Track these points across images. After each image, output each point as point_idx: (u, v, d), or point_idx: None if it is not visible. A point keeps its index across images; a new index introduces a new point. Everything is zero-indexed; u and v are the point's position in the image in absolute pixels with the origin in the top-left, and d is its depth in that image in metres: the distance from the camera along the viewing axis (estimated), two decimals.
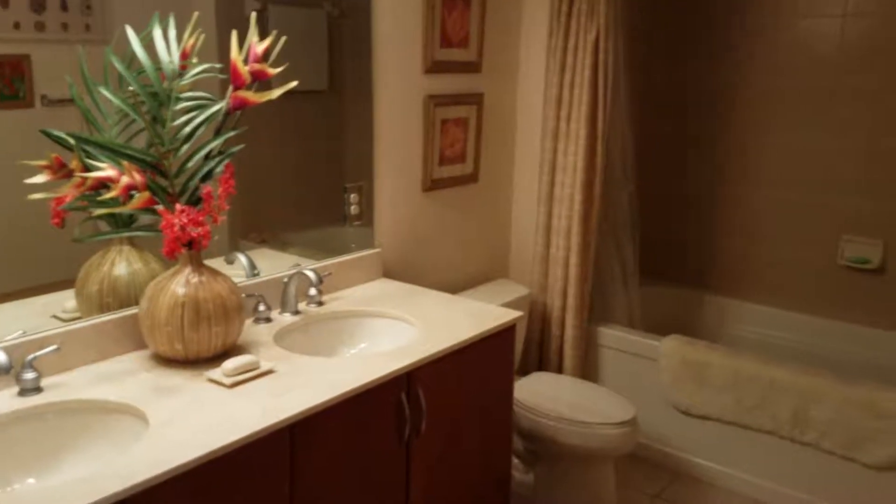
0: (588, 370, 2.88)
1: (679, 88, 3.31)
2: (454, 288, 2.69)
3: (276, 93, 1.64)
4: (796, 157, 3.01)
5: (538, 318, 2.86)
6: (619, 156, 2.87)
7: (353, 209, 2.28)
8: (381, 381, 1.60)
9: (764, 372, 2.43)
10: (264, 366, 1.60)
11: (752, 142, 3.11)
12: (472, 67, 2.57)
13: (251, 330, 1.85)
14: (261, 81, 1.65)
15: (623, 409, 2.34)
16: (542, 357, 2.89)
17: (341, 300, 2.11)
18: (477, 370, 1.90)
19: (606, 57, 2.59)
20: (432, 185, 2.51)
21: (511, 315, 1.99)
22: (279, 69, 1.65)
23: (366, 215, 2.32)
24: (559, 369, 2.82)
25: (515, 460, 2.56)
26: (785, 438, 2.42)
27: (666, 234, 3.45)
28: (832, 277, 2.99)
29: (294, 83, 1.65)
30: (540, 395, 2.45)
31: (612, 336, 2.81)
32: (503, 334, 1.96)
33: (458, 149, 2.59)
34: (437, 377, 1.77)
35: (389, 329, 1.98)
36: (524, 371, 2.88)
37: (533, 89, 2.80)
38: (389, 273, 2.41)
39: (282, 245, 2.14)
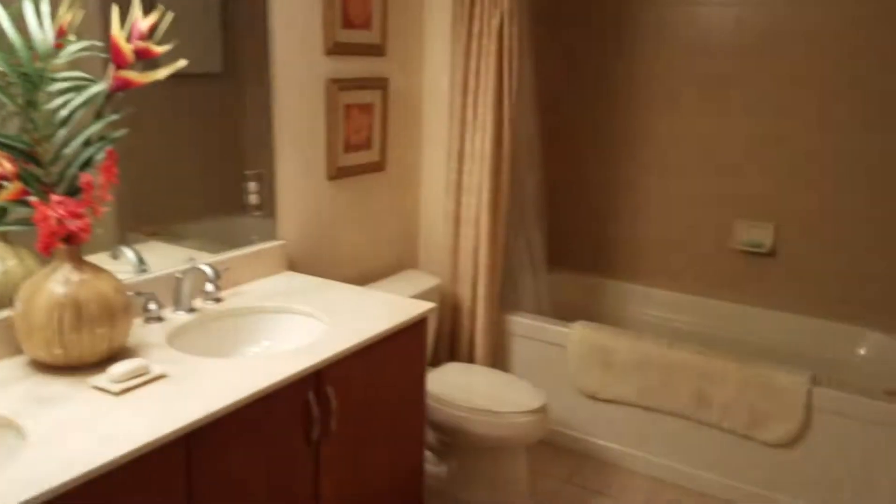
0: (499, 359, 2.90)
1: (578, 75, 3.36)
2: (363, 280, 2.63)
3: (161, 73, 1.52)
4: (691, 143, 3.13)
5: (449, 309, 2.85)
6: (526, 143, 2.89)
7: (253, 198, 2.17)
8: (286, 382, 1.52)
9: (667, 355, 2.51)
10: (156, 370, 1.49)
11: (649, 128, 3.21)
12: (375, 50, 2.50)
13: (141, 331, 1.73)
14: (146, 61, 1.52)
15: (533, 397, 2.36)
16: (453, 347, 2.87)
17: (242, 296, 2.00)
18: (389, 365, 1.86)
19: (511, 43, 2.58)
20: (338, 172, 2.43)
21: (422, 307, 1.95)
22: (166, 48, 1.53)
23: (267, 205, 2.21)
24: (471, 359, 2.81)
25: (428, 453, 2.53)
26: (687, 419, 2.51)
27: (570, 221, 3.51)
28: (727, 261, 3.13)
29: (182, 62, 1.54)
30: (452, 386, 2.43)
31: (522, 324, 2.83)
32: (415, 327, 1.92)
33: (364, 135, 2.52)
34: (348, 374, 1.71)
35: (295, 325, 1.90)
36: (436, 363, 2.86)
37: (439, 75, 2.76)
38: (294, 266, 2.31)
39: (176, 238, 2.01)
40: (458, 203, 2.79)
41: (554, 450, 2.79)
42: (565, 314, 3.31)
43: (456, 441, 2.39)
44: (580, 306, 3.40)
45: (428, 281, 2.70)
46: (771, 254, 3.04)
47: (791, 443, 2.33)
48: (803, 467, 2.32)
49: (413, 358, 1.95)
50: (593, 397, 2.70)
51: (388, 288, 2.56)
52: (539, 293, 3.01)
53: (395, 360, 1.88)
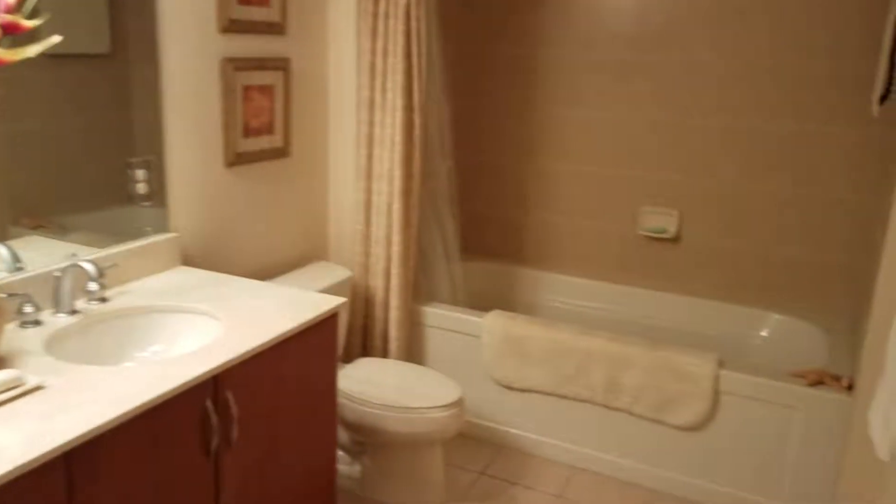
0: (414, 352, 2.84)
1: (488, 61, 3.32)
2: (268, 274, 2.50)
3: (32, 50, 1.37)
4: (598, 130, 3.16)
5: (361, 301, 2.75)
6: (437, 129, 2.82)
7: (142, 187, 2.01)
8: (179, 390, 1.40)
9: (579, 343, 2.52)
10: (32, 381, 1.34)
11: (557, 115, 3.22)
12: (275, 28, 2.36)
13: (16, 337, 1.55)
14: (15, 37, 1.36)
15: (449, 391, 2.32)
16: (366, 342, 2.79)
17: (130, 295, 1.84)
18: (296, 365, 1.75)
19: (419, 25, 2.50)
20: (237, 159, 2.28)
21: (332, 302, 1.86)
22: (37, 22, 1.37)
23: (158, 195, 2.05)
24: (384, 353, 2.74)
25: (340, 452, 2.45)
26: (600, 405, 2.54)
27: (483, 208, 3.48)
28: (634, 247, 3.19)
29: (56, 38, 1.38)
30: (365, 382, 2.35)
31: (436, 315, 2.78)
32: (324, 324, 1.83)
33: (265, 119, 2.38)
34: (250, 378, 1.60)
35: (190, 326, 1.77)
36: (348, 358, 2.77)
37: (344, 56, 2.65)
38: (190, 260, 2.16)
39: (63, 232, 1.82)
40: (368, 190, 2.70)
41: (469, 441, 2.77)
42: (480, 303, 3.29)
43: (370, 439, 2.32)
44: (494, 295, 3.39)
45: (338, 273, 2.60)
46: (675, 239, 3.11)
47: (700, 426, 2.39)
48: (712, 450, 2.39)
49: (323, 356, 1.86)
50: (509, 387, 2.68)
51: (295, 282, 2.44)
52: (453, 282, 2.97)
53: (302, 359, 1.78)
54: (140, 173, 2.00)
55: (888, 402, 1.50)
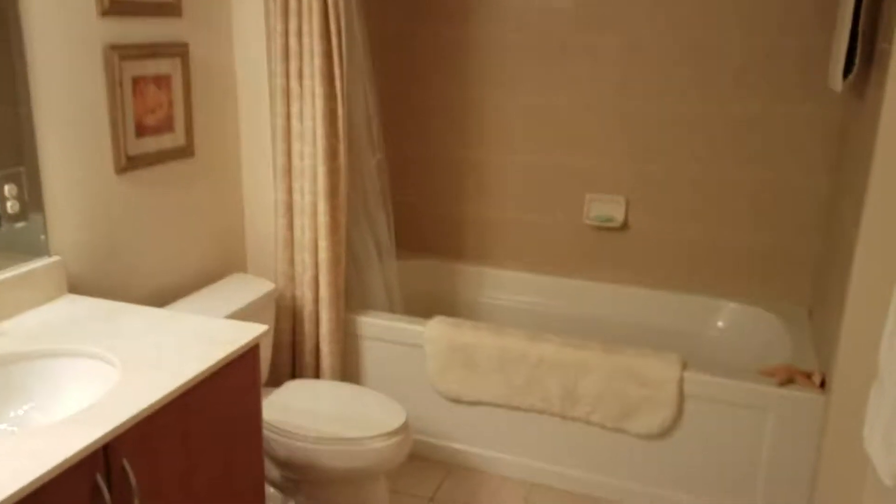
0: (350, 368, 2.59)
1: (414, 42, 3.07)
2: (175, 293, 2.19)
3: None
4: (536, 116, 2.96)
5: (288, 316, 2.48)
6: (364, 118, 2.56)
7: (11, 206, 1.68)
8: (59, 469, 1.12)
9: (531, 350, 2.33)
10: None
11: (493, 101, 3.00)
12: (168, 10, 2.04)
13: None
14: None
15: (392, 415, 2.09)
16: (295, 360, 2.52)
17: (1, 337, 1.52)
18: (210, 413, 1.49)
19: (337, 1, 2.23)
20: (130, 163, 1.96)
21: (251, 332, 1.59)
22: None
23: (33, 212, 1.72)
24: (317, 372, 2.48)
25: (272, 490, 2.19)
26: (556, 416, 2.36)
27: (417, 203, 3.25)
28: (581, 238, 3.03)
29: None
30: (295, 411, 2.09)
31: (372, 325, 2.54)
32: (243, 359, 1.56)
33: (163, 115, 2.06)
34: (153, 438, 1.33)
35: (76, 374, 1.47)
36: (275, 381, 2.49)
37: (253, 39, 2.34)
38: (77, 287, 1.85)
39: None
40: (289, 190, 2.42)
41: (416, 462, 2.55)
42: (420, 306, 3.06)
43: (304, 477, 2.07)
44: (434, 295, 3.17)
45: (259, 286, 2.32)
46: (623, 228, 2.96)
47: (664, 433, 2.24)
48: (678, 457, 2.25)
49: (243, 397, 1.59)
50: (457, 401, 2.48)
51: (208, 301, 2.15)
52: (389, 287, 2.73)
53: (217, 405, 1.51)
54: (7, 189, 1.66)
55: (889, 420, 1.35)
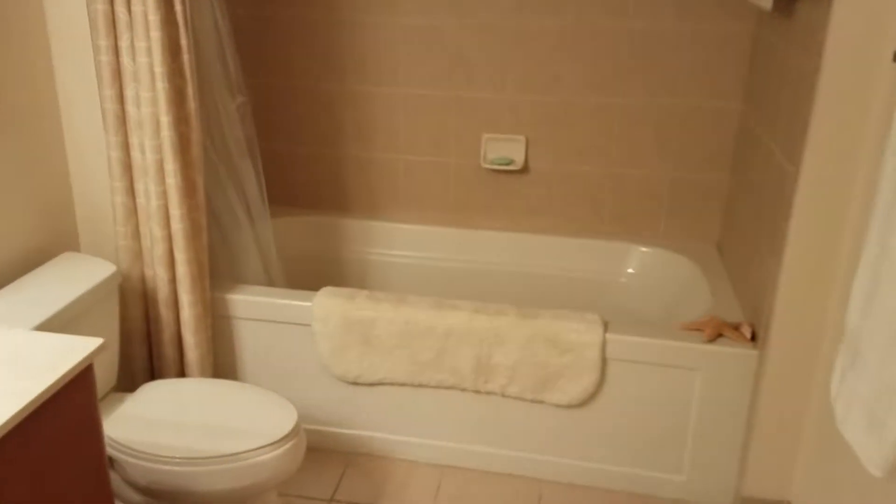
0: (223, 359, 2.21)
1: None
2: None
3: None
4: (419, 42, 2.59)
5: (138, 301, 2.05)
6: (217, 53, 2.10)
7: None
8: None
9: (438, 320, 2.05)
10: None
11: (370, 23, 2.60)
12: None
13: None
14: None
15: (279, 416, 1.75)
16: (153, 356, 2.11)
17: None
18: (29, 464, 1.09)
19: None
20: None
21: (82, 350, 1.20)
22: None
23: None
24: (181, 369, 2.08)
25: None
26: (468, 391, 2.11)
27: (285, 148, 2.82)
28: (478, 183, 2.75)
29: None
30: (155, 424, 1.71)
31: (247, 304, 2.16)
32: (73, 386, 1.17)
33: None
34: None
35: None
36: (129, 385, 2.07)
37: None
38: None
39: None
40: (125, 147, 1.95)
41: (312, 456, 2.23)
42: (303, 275, 2.70)
43: (176, 501, 1.71)
44: (318, 258, 2.80)
45: (97, 270, 1.87)
46: (524, 170, 2.71)
47: (586, 401, 2.05)
48: (600, 427, 2.08)
49: (74, 431, 1.20)
50: (355, 383, 2.17)
51: (25, 297, 1.69)
52: (265, 255, 2.34)
53: (40, 447, 1.11)
54: None
55: (874, 397, 1.18)
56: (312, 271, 2.76)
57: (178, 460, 1.62)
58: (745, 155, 2.33)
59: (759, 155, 2.15)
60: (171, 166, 1.91)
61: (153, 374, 2.12)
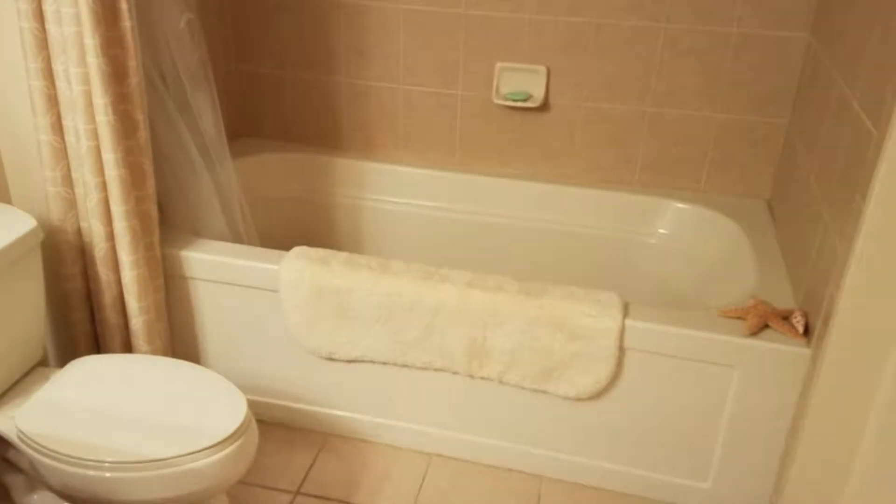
0: (179, 327, 1.95)
1: None
2: None
3: None
4: None
5: (75, 260, 1.77)
6: None
7: None
8: None
9: (426, 294, 1.75)
10: None
11: None
12: None
13: None
14: None
15: (226, 409, 1.49)
16: (95, 323, 1.84)
17: None
18: None
19: None
20: None
21: None
22: None
23: None
24: (126, 341, 1.82)
25: None
26: (462, 375, 1.83)
27: (259, 76, 2.47)
28: (489, 122, 2.38)
29: None
30: (75, 417, 1.46)
31: (203, 263, 1.87)
32: None
33: None
34: None
35: None
36: (70, 355, 1.82)
37: None
38: None
39: None
40: (48, 75, 1.63)
41: (280, 436, 2.00)
42: (281, 222, 2.40)
43: None
44: (301, 203, 2.49)
45: (14, 223, 1.58)
46: (543, 107, 2.33)
47: (598, 394, 1.76)
48: (614, 423, 1.79)
49: None
50: (329, 358, 1.89)
51: None
52: (227, 204, 2.03)
53: None
54: None
55: None
56: (294, 219, 2.46)
57: (93, 464, 1.37)
58: (811, 99, 1.93)
59: (830, 102, 1.75)
60: (101, 100, 1.59)
61: (97, 340, 1.86)
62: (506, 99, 2.31)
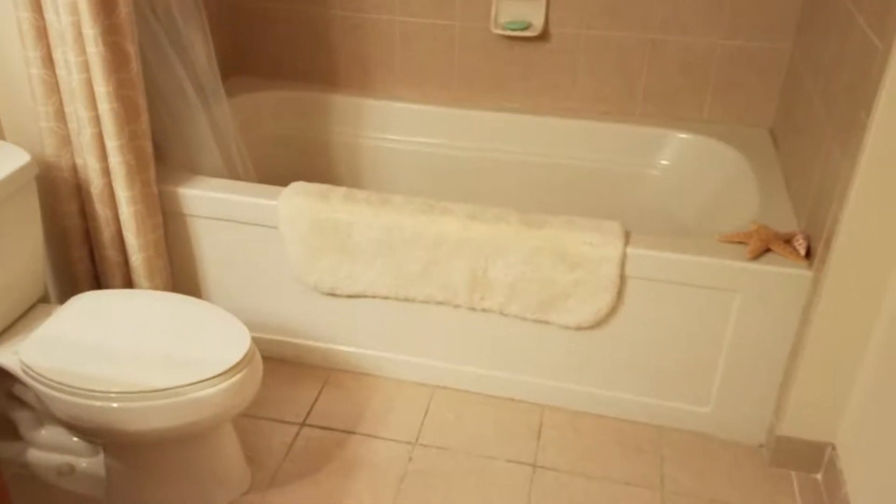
0: (180, 264, 1.95)
1: None
2: None
3: None
4: None
5: (72, 197, 1.78)
6: None
7: None
8: None
9: (427, 226, 1.75)
10: None
11: None
12: None
13: None
14: None
15: (229, 341, 1.51)
16: (94, 259, 1.85)
17: None
18: None
19: None
20: None
21: None
22: None
23: None
24: (128, 275, 1.83)
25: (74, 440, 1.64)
26: (462, 308, 1.84)
27: (252, 10, 2.43)
28: (487, 53, 2.35)
29: None
30: (79, 350, 1.48)
31: (201, 200, 1.87)
32: None
33: None
34: None
35: None
36: (70, 292, 1.84)
37: None
38: None
39: None
40: (36, 6, 1.60)
41: (284, 372, 2.03)
42: (278, 161, 2.39)
43: (103, 440, 1.51)
44: (297, 140, 2.48)
45: (6, 159, 1.58)
46: (543, 37, 2.29)
47: (599, 323, 1.77)
48: (616, 350, 1.81)
49: None
50: (331, 294, 1.91)
51: None
52: (223, 139, 2.02)
53: None
54: None
55: None
56: (290, 159, 2.45)
57: (99, 394, 1.40)
58: (816, 20, 1.90)
59: (834, 21, 1.72)
60: (90, 30, 1.57)
61: (97, 278, 1.88)
62: (504, 28, 2.28)
